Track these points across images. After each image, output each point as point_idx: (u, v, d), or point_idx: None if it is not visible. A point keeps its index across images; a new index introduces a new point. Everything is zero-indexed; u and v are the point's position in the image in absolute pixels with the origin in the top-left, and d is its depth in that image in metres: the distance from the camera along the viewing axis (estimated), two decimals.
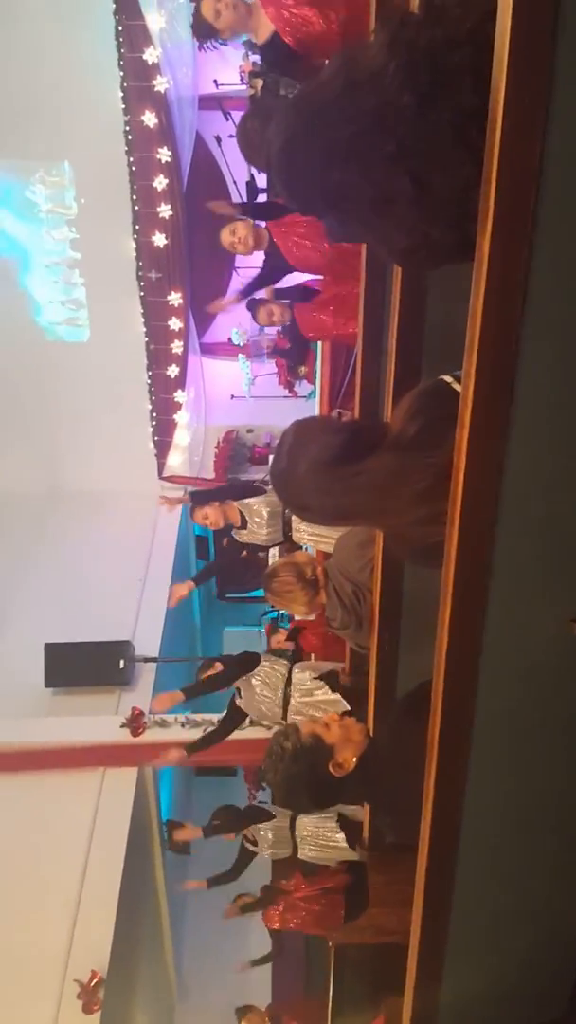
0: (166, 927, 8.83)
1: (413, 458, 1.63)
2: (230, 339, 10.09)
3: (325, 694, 4.85)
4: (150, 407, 10.45)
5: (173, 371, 10.13)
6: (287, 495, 1.88)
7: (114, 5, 8.38)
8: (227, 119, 8.88)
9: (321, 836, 5.22)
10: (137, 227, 9.36)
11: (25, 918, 6.44)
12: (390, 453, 1.66)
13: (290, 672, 5.06)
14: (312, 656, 5.87)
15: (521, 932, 2.09)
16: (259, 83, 4.87)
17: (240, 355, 10.11)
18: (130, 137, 8.93)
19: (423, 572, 2.23)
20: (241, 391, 10.44)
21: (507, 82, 1.11)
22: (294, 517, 5.33)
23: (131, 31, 8.45)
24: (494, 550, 1.48)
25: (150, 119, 8.77)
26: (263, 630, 10.15)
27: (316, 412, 6.94)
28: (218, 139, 9.19)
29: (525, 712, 1.70)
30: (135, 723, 7.34)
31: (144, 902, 8.16)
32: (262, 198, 8.30)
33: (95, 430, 10.62)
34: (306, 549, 5.68)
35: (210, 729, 5.85)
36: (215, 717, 6.18)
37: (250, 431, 11.06)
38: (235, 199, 9.25)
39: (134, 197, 9.20)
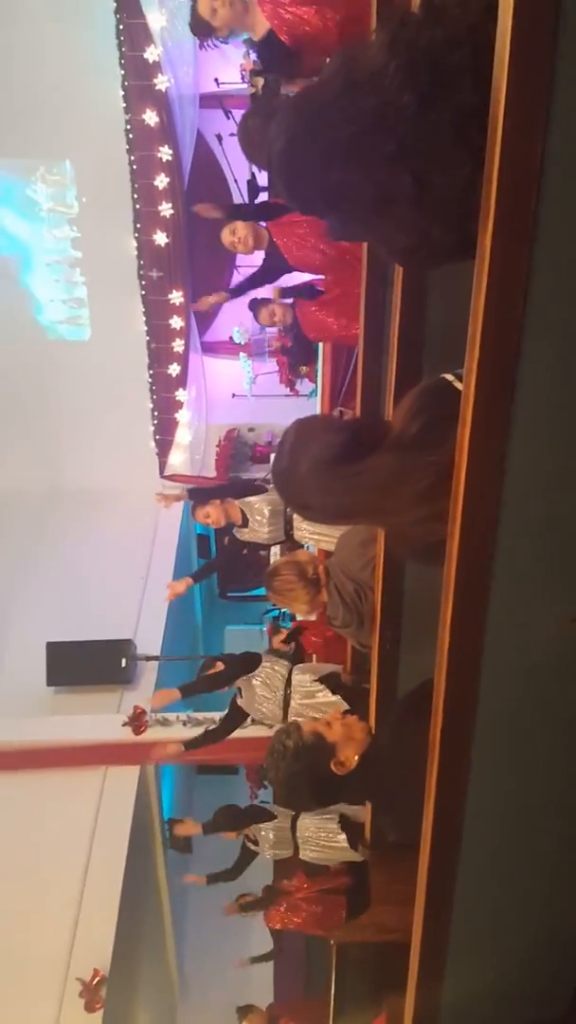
0: (168, 926, 8.84)
1: (415, 456, 1.63)
2: (231, 338, 10.09)
3: (326, 696, 4.85)
4: (151, 406, 10.45)
5: (174, 370, 10.13)
6: (289, 494, 1.88)
7: (115, 4, 8.38)
8: (228, 117, 8.89)
9: (322, 837, 5.22)
10: (138, 226, 9.36)
11: (27, 917, 6.45)
12: (391, 452, 1.66)
13: (290, 673, 5.05)
14: (314, 657, 5.86)
15: (522, 931, 2.09)
16: (260, 81, 4.87)
17: (241, 353, 10.11)
18: (131, 136, 8.93)
19: (424, 571, 2.23)
20: (242, 390, 10.45)
21: (508, 81, 1.11)
22: (295, 515, 5.33)
23: (132, 29, 8.45)
24: (496, 549, 1.48)
25: (151, 118, 8.77)
26: (264, 629, 10.16)
27: (317, 411, 6.93)
28: (219, 137, 9.19)
29: (527, 711, 1.70)
30: (137, 722, 7.34)
31: (146, 901, 8.17)
32: (263, 196, 8.30)
33: (96, 429, 10.63)
34: (307, 547, 5.68)
35: (211, 727, 5.85)
36: (217, 715, 6.18)
37: (251, 430, 11.07)
38: (236, 198, 9.26)
39: (135, 196, 9.20)
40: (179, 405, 10.38)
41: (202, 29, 4.31)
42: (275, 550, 7.70)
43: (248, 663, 5.15)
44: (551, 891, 2.02)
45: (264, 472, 9.02)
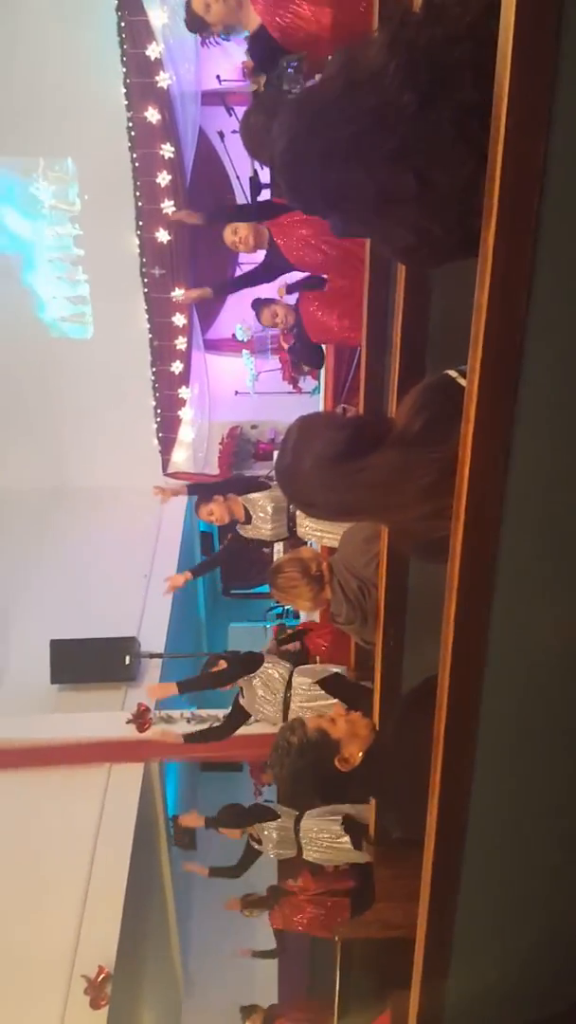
0: (173, 923, 8.86)
1: (418, 453, 1.63)
2: (234, 335, 10.08)
3: (326, 700, 4.84)
4: (154, 403, 10.45)
5: (177, 367, 10.13)
6: (292, 491, 1.88)
7: (116, 1, 8.38)
8: (230, 115, 8.87)
9: (325, 838, 5.21)
10: (140, 223, 9.36)
11: (32, 914, 6.46)
12: (395, 448, 1.66)
13: (291, 676, 5.04)
14: (317, 659, 5.86)
15: (526, 928, 2.09)
16: (262, 78, 4.87)
17: (244, 351, 10.11)
18: (133, 133, 8.93)
19: (428, 567, 2.23)
20: (245, 387, 10.45)
21: (511, 79, 1.11)
22: (298, 512, 5.32)
23: (133, 27, 8.44)
24: (499, 545, 1.48)
25: (153, 115, 8.77)
26: (270, 627, 10.17)
27: (320, 408, 6.93)
28: (221, 135, 9.18)
29: (531, 708, 1.70)
30: (141, 719, 7.35)
31: (151, 898, 8.19)
32: (266, 193, 8.29)
33: (99, 427, 10.64)
34: (310, 544, 5.68)
35: (215, 724, 5.86)
36: (221, 713, 6.19)
37: (254, 427, 11.07)
38: (238, 194, 9.26)
39: (137, 193, 9.20)
40: (182, 402, 10.39)
41: (197, 25, 4.32)
42: (278, 547, 7.70)
43: (249, 663, 5.15)
44: (555, 889, 2.02)
45: (267, 469, 9.01)
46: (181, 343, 10.01)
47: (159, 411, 10.50)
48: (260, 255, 5.37)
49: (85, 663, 8.10)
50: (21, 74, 8.99)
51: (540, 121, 1.14)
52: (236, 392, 10.76)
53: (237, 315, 9.70)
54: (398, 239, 1.50)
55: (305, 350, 6.24)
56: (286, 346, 7.74)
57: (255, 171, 8.48)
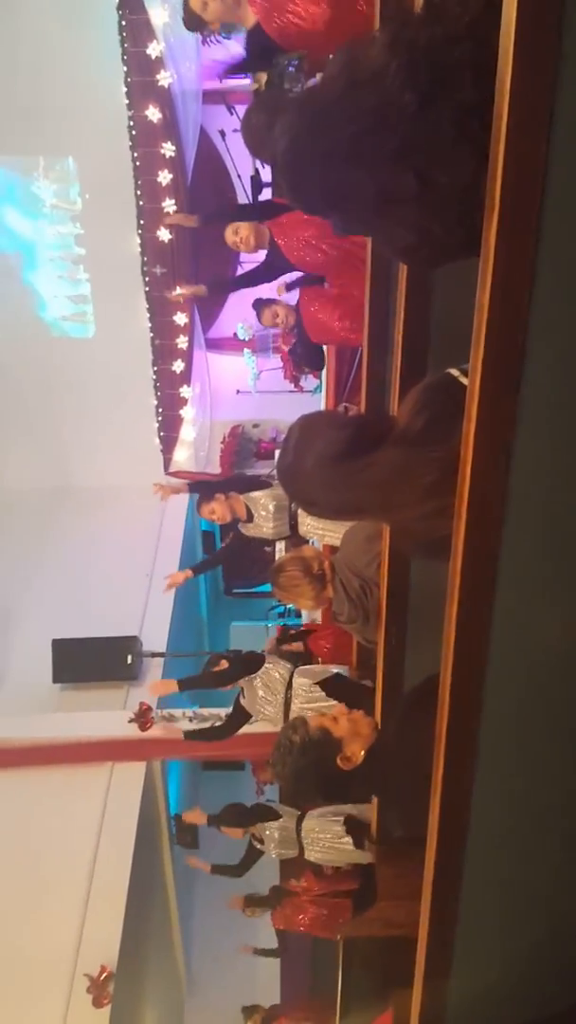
0: (175, 922, 8.86)
1: (420, 452, 1.63)
2: (235, 334, 10.08)
3: (327, 700, 4.84)
4: (156, 402, 10.45)
5: (178, 366, 10.13)
6: (294, 490, 1.88)
7: (117, 0, 8.37)
8: (231, 113, 8.87)
9: (327, 838, 5.22)
10: (141, 222, 9.35)
11: (35, 913, 6.47)
12: (397, 447, 1.66)
13: (291, 676, 5.04)
14: (319, 660, 5.86)
15: (529, 925, 2.09)
16: (263, 77, 4.87)
17: (245, 350, 10.10)
18: (134, 132, 8.93)
19: (430, 566, 2.23)
20: (247, 386, 10.44)
21: (512, 77, 1.11)
22: (300, 510, 5.33)
23: (134, 26, 8.44)
24: (501, 544, 1.48)
25: (154, 114, 8.76)
26: (272, 627, 10.17)
27: (322, 407, 6.93)
28: (222, 133, 9.18)
29: (533, 706, 1.70)
30: (143, 718, 7.35)
31: (153, 897, 8.19)
32: (267, 192, 8.30)
33: (100, 426, 10.64)
34: (312, 543, 5.68)
35: (216, 723, 5.87)
36: (222, 712, 6.20)
37: (256, 426, 11.06)
38: (239, 193, 9.26)
39: (138, 192, 9.19)
40: (183, 402, 10.38)
41: (194, 23, 4.31)
42: (280, 546, 7.70)
43: (250, 664, 5.16)
44: (557, 888, 2.02)
45: (269, 468, 9.01)
46: (182, 342, 10.00)
47: (161, 410, 10.50)
48: (261, 255, 5.37)
49: (87, 662, 8.10)
50: (22, 73, 8.98)
51: (541, 120, 1.14)
52: (238, 391, 10.75)
53: (238, 314, 9.69)
54: (399, 239, 1.50)
55: (305, 351, 6.22)
56: (286, 348, 7.72)
57: (256, 170, 8.50)
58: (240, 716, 5.31)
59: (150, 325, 9.97)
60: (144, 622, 8.89)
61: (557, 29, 1.08)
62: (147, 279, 9.67)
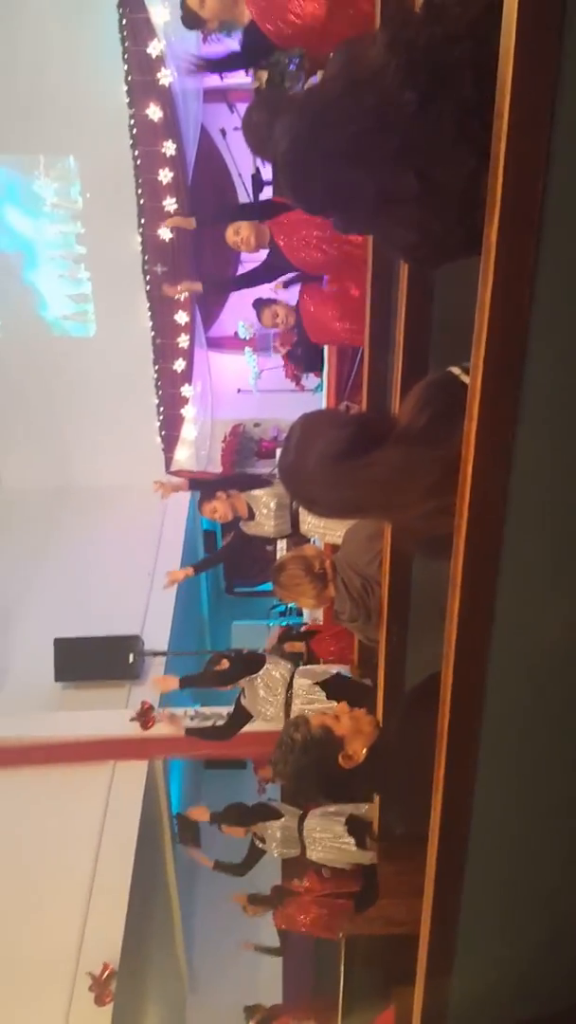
0: (177, 920, 8.87)
1: (421, 451, 1.63)
2: (236, 332, 10.07)
3: (327, 701, 4.84)
4: (157, 401, 10.45)
5: (180, 365, 10.12)
6: (295, 489, 1.88)
7: None
8: (232, 112, 8.87)
9: (329, 838, 5.23)
10: (142, 221, 9.35)
11: (37, 911, 6.47)
12: (398, 446, 1.67)
13: (292, 676, 5.05)
14: (321, 661, 5.86)
15: (531, 923, 2.09)
16: (264, 75, 4.86)
17: (246, 348, 10.10)
18: (135, 131, 8.92)
19: (431, 565, 2.23)
20: (248, 385, 10.44)
21: (513, 76, 1.11)
22: (302, 509, 5.32)
23: (135, 24, 8.43)
24: (503, 542, 1.48)
25: (155, 112, 8.76)
26: (274, 626, 10.16)
27: (323, 405, 6.93)
28: (223, 132, 9.17)
29: (535, 704, 1.70)
30: (145, 717, 7.36)
31: (155, 895, 8.19)
32: (268, 190, 8.29)
33: (102, 425, 10.63)
34: (314, 541, 5.68)
35: (219, 722, 5.87)
36: (224, 710, 6.20)
37: (257, 425, 11.06)
38: (240, 191, 9.25)
39: (139, 191, 9.18)
40: (184, 401, 10.38)
41: (192, 20, 4.31)
42: (281, 545, 7.70)
43: (251, 664, 5.17)
44: (559, 886, 2.02)
45: (270, 467, 9.01)
46: (183, 341, 9.99)
47: (162, 409, 10.49)
48: (262, 254, 5.36)
49: (89, 661, 8.11)
50: (22, 72, 8.97)
51: (543, 119, 1.14)
52: (239, 390, 10.75)
53: (239, 312, 9.69)
54: (399, 238, 1.51)
55: (304, 352, 6.22)
56: (282, 351, 7.70)
57: (257, 168, 8.49)
58: (241, 716, 5.32)
59: (151, 324, 9.96)
60: (146, 621, 8.89)
61: (558, 28, 1.08)
62: (148, 278, 9.66)
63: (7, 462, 10.98)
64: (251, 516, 5.51)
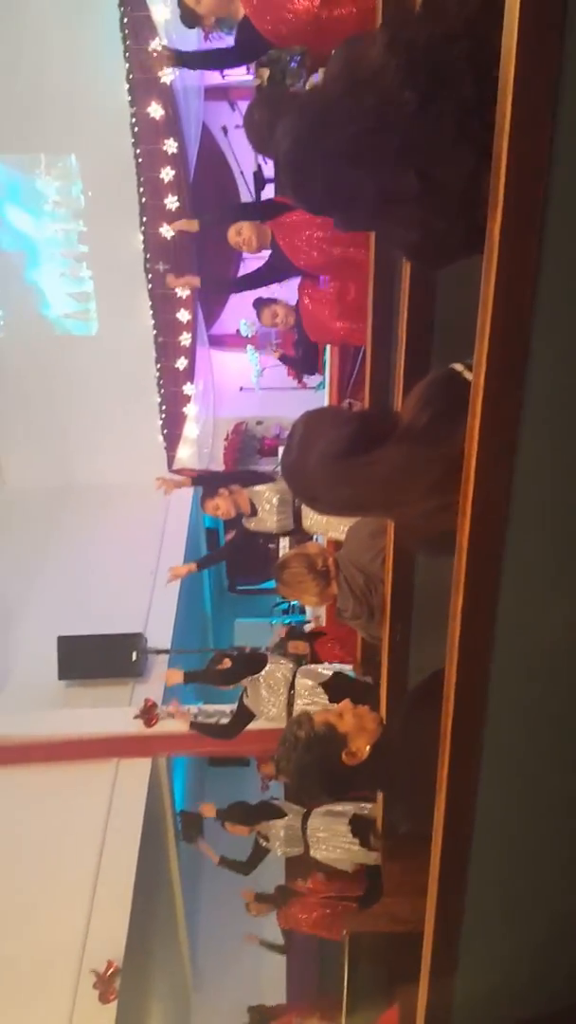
0: (181, 917, 8.87)
1: (424, 448, 1.63)
2: (238, 330, 10.06)
3: (328, 702, 4.84)
4: (159, 400, 10.45)
5: (182, 363, 10.12)
6: (298, 487, 1.88)
7: None
8: (233, 110, 8.87)
9: (333, 837, 5.22)
10: (144, 219, 9.34)
11: (41, 909, 6.48)
12: (401, 443, 1.66)
13: (294, 676, 5.05)
14: (324, 663, 5.86)
15: (535, 921, 2.09)
16: (265, 73, 4.87)
17: (248, 346, 10.09)
18: (136, 129, 8.92)
19: (435, 562, 2.23)
20: (250, 383, 10.43)
21: (515, 75, 1.11)
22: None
23: (136, 22, 8.43)
24: (506, 539, 1.48)
25: (156, 111, 8.75)
26: (276, 624, 10.17)
27: (326, 403, 6.92)
28: (224, 130, 9.17)
29: (538, 701, 1.70)
30: (148, 715, 7.37)
31: (159, 892, 8.20)
32: (270, 188, 8.29)
33: (104, 424, 10.64)
34: (316, 539, 5.68)
35: (223, 720, 5.88)
36: (227, 708, 6.21)
37: (259, 423, 11.05)
38: (241, 189, 9.25)
39: (141, 189, 9.18)
40: (187, 399, 10.38)
41: (190, 18, 4.31)
42: (284, 543, 7.70)
43: (252, 663, 5.17)
44: (563, 884, 2.02)
45: (272, 465, 9.00)
46: (185, 339, 9.99)
47: (164, 407, 10.49)
48: (264, 254, 5.35)
49: (92, 659, 8.11)
50: (24, 71, 8.97)
51: (544, 118, 1.14)
52: (241, 388, 10.75)
53: (241, 310, 9.68)
54: (402, 237, 1.51)
55: (302, 353, 6.20)
56: (276, 354, 7.68)
57: (259, 165, 8.48)
58: (245, 715, 5.33)
59: (153, 322, 9.96)
60: (149, 619, 8.90)
61: (559, 27, 1.08)
62: (150, 276, 9.66)
63: (10, 461, 10.99)
64: (253, 512, 5.51)
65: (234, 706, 5.57)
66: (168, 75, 8.54)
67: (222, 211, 7.05)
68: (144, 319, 9.97)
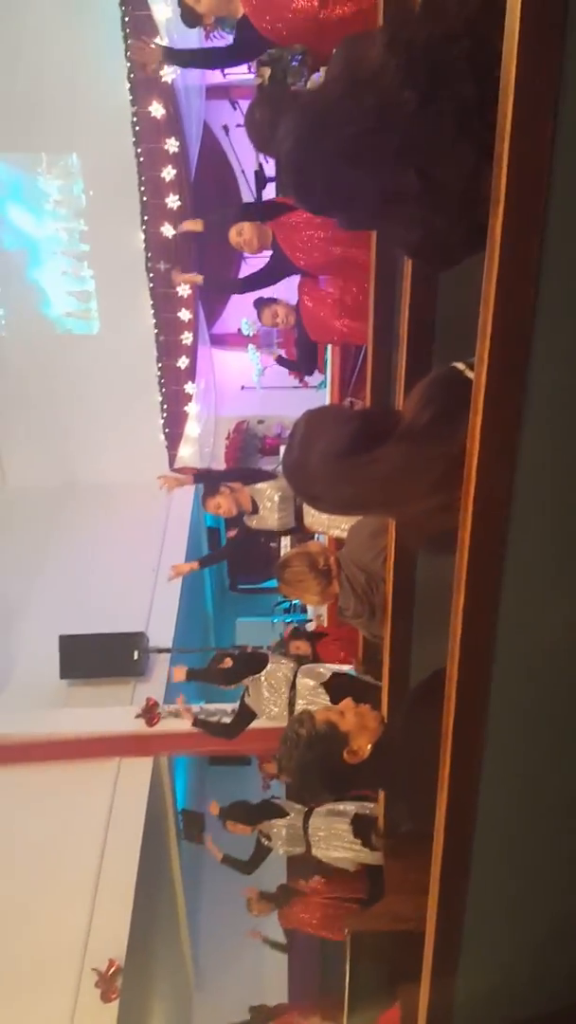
0: (182, 916, 8.88)
1: (426, 447, 1.63)
2: (240, 329, 10.07)
3: (328, 703, 4.84)
4: (160, 399, 10.45)
5: (183, 362, 10.13)
6: (299, 485, 1.88)
7: None
8: (234, 108, 8.86)
9: (334, 836, 5.22)
10: (145, 218, 9.35)
11: (43, 907, 6.49)
12: (402, 442, 1.66)
13: (295, 675, 5.05)
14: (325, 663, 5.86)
15: (537, 920, 2.09)
16: (266, 72, 4.86)
17: (250, 345, 10.09)
18: (137, 128, 8.93)
19: (436, 561, 2.23)
20: (251, 382, 10.43)
21: (517, 73, 1.11)
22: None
23: (138, 21, 8.43)
24: (507, 538, 1.48)
25: (157, 109, 8.76)
26: (278, 623, 10.18)
27: (327, 401, 6.92)
28: (226, 129, 9.16)
29: (540, 700, 1.70)
30: (149, 714, 7.37)
31: (160, 891, 8.21)
32: (271, 187, 8.28)
33: (105, 423, 10.64)
34: (318, 538, 5.68)
35: (225, 719, 5.88)
36: (229, 707, 6.21)
37: (260, 422, 11.05)
38: (243, 187, 9.24)
39: (142, 188, 9.19)
40: (188, 398, 10.38)
41: (190, 17, 4.31)
42: (285, 542, 7.70)
43: (253, 664, 5.17)
44: (565, 882, 2.02)
45: (274, 464, 9.00)
46: (187, 338, 10.00)
47: (165, 406, 10.50)
48: (264, 254, 5.35)
49: (94, 658, 8.12)
50: (25, 70, 8.97)
51: (546, 117, 1.14)
52: (242, 387, 10.75)
53: (242, 309, 9.68)
54: (403, 236, 1.51)
55: (300, 353, 6.19)
56: (274, 357, 7.68)
57: (260, 164, 8.48)
58: (246, 715, 5.33)
59: (154, 321, 9.96)
60: (150, 618, 8.91)
61: (560, 27, 1.08)
62: (151, 275, 9.66)
63: (11, 460, 10.99)
64: (255, 509, 5.51)
65: (234, 705, 5.57)
66: (156, 69, 8.50)
67: (223, 212, 7.05)
68: (145, 318, 9.97)
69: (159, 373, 10.26)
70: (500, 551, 1.49)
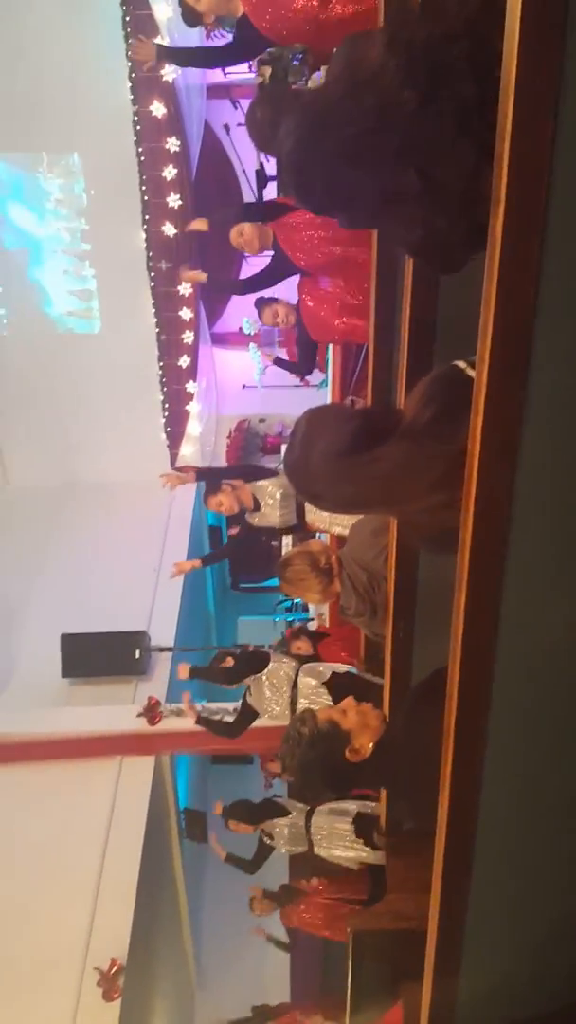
0: (185, 915, 8.89)
1: (427, 445, 1.63)
2: (241, 328, 10.07)
3: (330, 702, 4.84)
4: (162, 398, 10.45)
5: (184, 361, 10.13)
6: (301, 484, 1.88)
7: None
8: (235, 108, 8.86)
9: (336, 835, 5.22)
10: (147, 217, 9.35)
11: (45, 906, 6.49)
12: (403, 440, 1.67)
13: (297, 675, 5.05)
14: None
15: (539, 918, 2.10)
16: (267, 71, 4.86)
17: (251, 344, 10.09)
18: (139, 127, 8.93)
19: (438, 559, 2.23)
20: (252, 380, 10.43)
21: (517, 73, 1.11)
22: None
23: (138, 21, 8.43)
24: (509, 536, 1.48)
25: (158, 109, 8.76)
26: (279, 621, 10.18)
27: (328, 400, 6.92)
28: (227, 128, 9.16)
29: (542, 699, 1.70)
30: (151, 712, 7.37)
31: (163, 890, 8.21)
32: (272, 186, 8.28)
33: (107, 422, 10.64)
34: (319, 537, 5.67)
35: (227, 718, 5.88)
36: (230, 706, 6.21)
37: (262, 420, 11.05)
38: (244, 187, 9.24)
39: (143, 187, 9.19)
40: (189, 397, 10.39)
41: (191, 17, 4.32)
42: (287, 541, 7.70)
43: (255, 663, 5.17)
44: (566, 882, 2.02)
45: (275, 463, 9.00)
46: (188, 337, 10.00)
47: (167, 405, 10.50)
48: (265, 255, 5.35)
49: (96, 657, 8.12)
50: (26, 69, 8.97)
51: (546, 117, 1.14)
52: (243, 386, 10.75)
53: (244, 309, 9.68)
54: (404, 236, 1.51)
55: (300, 353, 6.18)
56: (271, 358, 7.66)
57: (261, 164, 8.47)
58: (249, 714, 5.33)
59: (156, 320, 9.96)
60: (152, 617, 8.91)
61: (560, 27, 1.08)
62: (152, 274, 9.66)
63: (12, 459, 11.00)
64: (257, 507, 5.51)
65: (236, 704, 5.57)
66: (152, 65, 8.51)
67: (224, 212, 7.05)
68: (147, 317, 9.97)
69: (160, 372, 10.26)
70: (501, 551, 1.49)
